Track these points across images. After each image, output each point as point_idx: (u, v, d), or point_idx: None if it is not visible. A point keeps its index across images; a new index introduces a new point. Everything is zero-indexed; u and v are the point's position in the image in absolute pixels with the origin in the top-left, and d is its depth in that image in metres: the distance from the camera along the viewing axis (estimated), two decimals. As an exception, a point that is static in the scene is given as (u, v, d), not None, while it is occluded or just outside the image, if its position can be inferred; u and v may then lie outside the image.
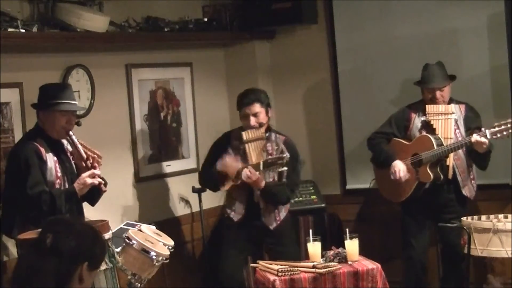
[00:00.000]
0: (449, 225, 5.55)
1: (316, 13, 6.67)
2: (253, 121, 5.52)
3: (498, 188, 6.03)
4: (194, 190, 6.03)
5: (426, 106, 5.66)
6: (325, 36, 6.70)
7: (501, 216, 5.60)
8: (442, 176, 5.58)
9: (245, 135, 5.53)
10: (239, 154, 5.57)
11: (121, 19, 5.77)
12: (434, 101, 5.64)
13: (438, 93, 5.63)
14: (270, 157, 5.47)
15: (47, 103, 4.73)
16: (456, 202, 5.69)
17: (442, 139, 5.57)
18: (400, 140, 5.77)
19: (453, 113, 5.63)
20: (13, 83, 5.10)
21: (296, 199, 6.38)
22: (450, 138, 5.58)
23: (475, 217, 5.60)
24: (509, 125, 5.37)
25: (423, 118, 5.68)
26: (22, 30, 4.92)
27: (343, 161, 6.67)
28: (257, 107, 5.53)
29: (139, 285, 4.47)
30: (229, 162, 5.52)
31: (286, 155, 5.37)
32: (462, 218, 5.56)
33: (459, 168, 5.65)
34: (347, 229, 5.03)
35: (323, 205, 6.40)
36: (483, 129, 5.43)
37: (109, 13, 5.58)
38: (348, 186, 6.65)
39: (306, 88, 6.83)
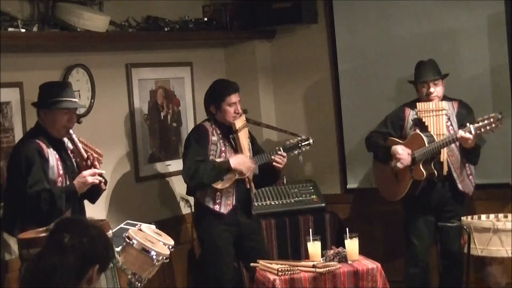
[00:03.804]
0: (448, 224, 5.56)
1: (316, 13, 6.67)
2: (239, 108, 5.56)
3: (498, 188, 6.03)
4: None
5: (417, 103, 5.65)
6: (325, 36, 6.70)
7: (501, 215, 5.61)
8: (436, 173, 5.58)
9: (237, 124, 5.56)
10: (229, 144, 5.59)
11: (121, 18, 5.77)
12: (429, 96, 5.62)
13: (432, 86, 5.59)
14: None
15: (48, 102, 4.72)
16: (453, 200, 5.68)
17: (435, 136, 5.56)
18: (394, 139, 5.75)
19: (444, 109, 5.61)
20: (13, 82, 5.10)
21: (296, 198, 6.39)
22: (443, 134, 5.57)
23: (475, 216, 5.60)
24: (492, 120, 5.34)
25: (414, 115, 5.68)
26: (22, 30, 4.91)
27: (343, 160, 6.68)
28: (238, 95, 5.58)
29: (139, 284, 4.46)
30: (245, 159, 5.53)
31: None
32: (462, 218, 5.56)
33: (453, 164, 5.63)
34: (347, 229, 5.03)
35: (323, 204, 6.39)
36: (468, 124, 5.41)
37: (109, 13, 5.58)
38: (349, 186, 6.65)
39: (306, 88, 6.83)
